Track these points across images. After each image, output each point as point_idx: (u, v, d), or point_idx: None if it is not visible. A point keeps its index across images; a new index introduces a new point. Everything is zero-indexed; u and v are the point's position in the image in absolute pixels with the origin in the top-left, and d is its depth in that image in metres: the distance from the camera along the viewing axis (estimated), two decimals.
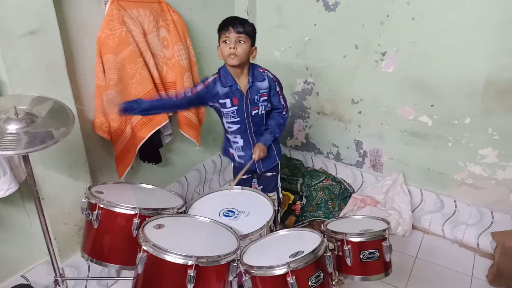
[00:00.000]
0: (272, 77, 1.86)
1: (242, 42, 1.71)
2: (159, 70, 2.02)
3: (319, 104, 2.79)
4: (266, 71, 1.86)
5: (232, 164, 2.10)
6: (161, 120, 2.01)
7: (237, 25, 1.69)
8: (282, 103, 1.92)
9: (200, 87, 1.81)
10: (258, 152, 1.88)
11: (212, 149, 2.84)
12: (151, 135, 2.01)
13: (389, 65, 2.39)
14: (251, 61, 1.83)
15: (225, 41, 1.72)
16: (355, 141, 2.72)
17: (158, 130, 2.04)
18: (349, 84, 2.59)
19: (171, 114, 2.12)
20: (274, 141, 1.99)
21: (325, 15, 2.52)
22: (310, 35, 2.64)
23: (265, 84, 1.84)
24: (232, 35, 1.69)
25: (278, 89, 1.88)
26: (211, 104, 1.87)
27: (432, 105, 2.31)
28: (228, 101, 1.83)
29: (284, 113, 1.95)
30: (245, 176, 1.95)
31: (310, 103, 2.82)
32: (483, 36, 2.03)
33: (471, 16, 2.04)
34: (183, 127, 2.24)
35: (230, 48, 1.70)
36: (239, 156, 2.01)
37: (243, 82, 1.81)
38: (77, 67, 1.79)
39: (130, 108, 1.68)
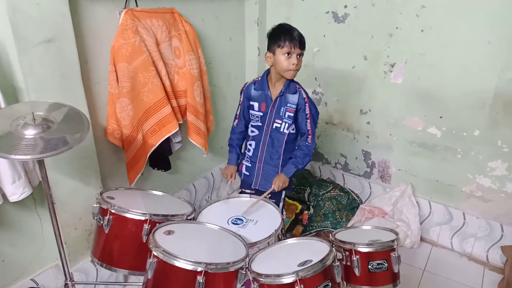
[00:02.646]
0: (305, 97, 1.81)
1: (300, 56, 1.74)
2: (170, 79, 2.05)
3: (328, 114, 2.80)
4: (301, 89, 1.83)
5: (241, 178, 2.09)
6: (171, 128, 2.03)
7: (300, 40, 1.71)
8: (309, 128, 1.84)
9: (241, 97, 1.95)
10: (277, 182, 1.83)
11: (220, 157, 2.86)
12: (161, 143, 2.03)
13: (398, 76, 2.40)
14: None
15: (286, 54, 1.71)
16: (363, 152, 2.73)
17: (168, 138, 2.06)
18: (358, 95, 2.61)
19: (181, 121, 2.15)
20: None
21: (334, 26, 2.55)
22: (319, 45, 2.67)
23: (294, 98, 1.81)
24: (296, 50, 1.71)
25: (307, 111, 1.82)
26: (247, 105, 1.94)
27: (441, 117, 2.31)
28: (256, 104, 1.88)
29: (309, 140, 1.86)
30: (248, 191, 1.95)
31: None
32: (491, 49, 2.04)
33: (479, 29, 2.05)
34: (191, 134, 2.26)
35: (294, 64, 1.71)
36: (246, 168, 2.01)
37: (275, 91, 1.84)
38: (92, 75, 1.82)
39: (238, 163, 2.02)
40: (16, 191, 1.50)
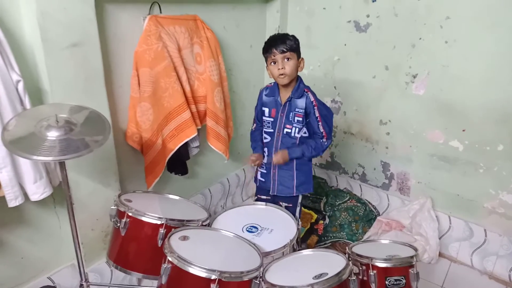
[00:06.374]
0: (312, 100, 1.80)
1: (288, 59, 1.74)
2: (191, 85, 2.07)
3: (346, 124, 2.77)
4: (309, 92, 1.82)
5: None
6: (189, 133, 2.04)
7: (280, 45, 1.71)
8: (321, 130, 1.82)
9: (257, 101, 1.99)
10: (278, 156, 1.83)
11: (237, 163, 2.86)
12: (179, 147, 2.04)
13: (420, 87, 2.36)
14: (300, 74, 1.86)
15: (272, 63, 1.76)
16: (382, 163, 2.68)
17: (186, 142, 2.08)
18: (378, 105, 2.57)
19: (199, 126, 2.16)
20: (300, 174, 1.91)
21: (355, 35, 2.53)
22: (339, 55, 2.65)
23: (302, 102, 1.81)
24: (277, 56, 1.73)
25: (317, 114, 1.80)
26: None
27: (463, 130, 2.26)
28: (267, 110, 1.90)
29: (324, 140, 1.84)
30: (264, 197, 1.95)
31: (336, 122, 2.81)
32: None
33: (505, 41, 2.00)
34: (211, 140, 2.27)
35: (279, 69, 1.73)
36: (261, 175, 2.02)
37: (285, 96, 1.85)
38: (115, 79, 1.86)
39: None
40: (37, 191, 1.53)
